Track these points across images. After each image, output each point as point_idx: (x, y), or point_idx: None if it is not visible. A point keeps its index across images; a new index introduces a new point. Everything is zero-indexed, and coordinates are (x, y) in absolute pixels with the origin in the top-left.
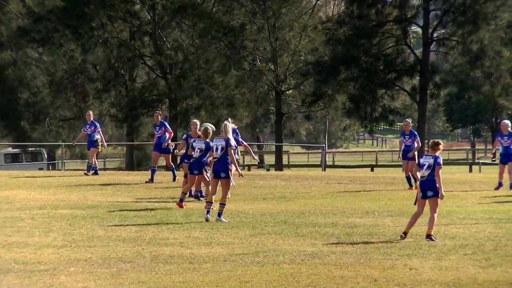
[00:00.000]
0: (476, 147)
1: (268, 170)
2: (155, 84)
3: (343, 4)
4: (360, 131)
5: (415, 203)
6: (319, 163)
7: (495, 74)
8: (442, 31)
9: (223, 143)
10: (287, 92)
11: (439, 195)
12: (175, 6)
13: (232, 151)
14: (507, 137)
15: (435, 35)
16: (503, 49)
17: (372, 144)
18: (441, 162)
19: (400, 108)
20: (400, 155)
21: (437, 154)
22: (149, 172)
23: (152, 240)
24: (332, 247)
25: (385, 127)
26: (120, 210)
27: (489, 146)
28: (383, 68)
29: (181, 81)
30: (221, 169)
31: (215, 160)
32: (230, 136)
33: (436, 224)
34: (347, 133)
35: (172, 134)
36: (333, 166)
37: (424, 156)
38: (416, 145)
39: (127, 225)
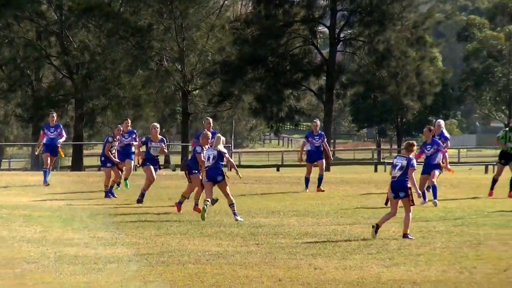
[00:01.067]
0: (382, 147)
1: (174, 170)
2: (61, 84)
3: (250, 4)
4: (266, 131)
5: (386, 203)
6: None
7: (400, 74)
8: (349, 31)
9: (215, 153)
10: (193, 92)
11: (417, 194)
12: (81, 7)
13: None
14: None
15: (342, 35)
16: (408, 50)
17: (278, 144)
18: (415, 164)
19: (306, 108)
20: (302, 156)
21: (410, 155)
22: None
23: (56, 240)
24: (237, 247)
25: (291, 127)
26: (25, 210)
27: (394, 146)
28: (290, 68)
29: (87, 81)
30: (217, 174)
31: (207, 168)
32: (221, 147)
33: (341, 224)
34: (253, 133)
35: (66, 137)
36: (239, 166)
37: (397, 157)
38: (323, 146)
39: (31, 225)
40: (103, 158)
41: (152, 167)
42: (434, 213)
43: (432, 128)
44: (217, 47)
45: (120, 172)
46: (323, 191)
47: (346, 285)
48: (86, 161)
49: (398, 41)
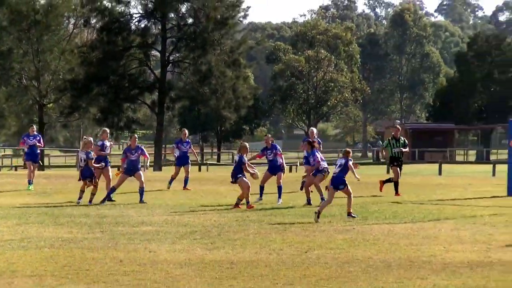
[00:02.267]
0: (204, 151)
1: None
2: None
3: (95, 32)
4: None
5: (326, 189)
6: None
7: (220, 91)
8: (177, 54)
9: (237, 158)
10: (48, 105)
11: (356, 179)
12: None
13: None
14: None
15: (171, 58)
16: (226, 70)
17: (119, 149)
18: (351, 163)
19: (142, 119)
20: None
21: (348, 157)
22: None
23: None
24: (85, 234)
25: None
26: None
27: (215, 150)
28: (128, 85)
29: None
30: (232, 176)
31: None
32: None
33: (170, 213)
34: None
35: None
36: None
37: (339, 159)
38: (280, 160)
39: None
40: None
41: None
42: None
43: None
44: (68, 68)
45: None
46: (189, 189)
47: (176, 265)
48: None
49: (218, 63)
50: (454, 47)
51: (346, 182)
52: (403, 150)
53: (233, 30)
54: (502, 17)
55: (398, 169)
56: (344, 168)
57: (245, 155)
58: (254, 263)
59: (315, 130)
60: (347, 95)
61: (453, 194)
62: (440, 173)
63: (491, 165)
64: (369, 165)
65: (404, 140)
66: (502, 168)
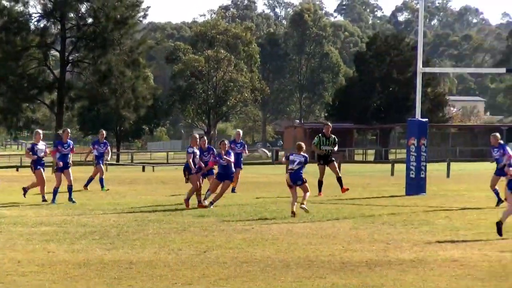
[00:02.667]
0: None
1: None
2: None
3: None
4: (8, 138)
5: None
6: None
7: (119, 91)
8: (77, 54)
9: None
10: None
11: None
12: None
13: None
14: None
15: (70, 57)
16: (126, 70)
17: (18, 149)
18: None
19: (41, 119)
20: (92, 159)
21: (304, 154)
22: None
23: None
24: None
25: (27, 134)
26: None
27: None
28: (27, 85)
29: None
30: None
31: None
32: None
33: (70, 214)
34: None
35: None
36: None
37: (293, 155)
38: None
39: None
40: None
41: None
42: (147, 205)
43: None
44: None
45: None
46: (107, 189)
47: (74, 265)
48: None
49: (117, 63)
50: (353, 47)
51: (304, 178)
52: (334, 149)
53: (133, 30)
54: (401, 17)
55: (325, 167)
56: (302, 165)
57: (195, 147)
58: (153, 263)
59: (241, 131)
60: (246, 95)
61: (352, 193)
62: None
63: (390, 165)
64: (269, 164)
65: (334, 138)
66: (401, 168)
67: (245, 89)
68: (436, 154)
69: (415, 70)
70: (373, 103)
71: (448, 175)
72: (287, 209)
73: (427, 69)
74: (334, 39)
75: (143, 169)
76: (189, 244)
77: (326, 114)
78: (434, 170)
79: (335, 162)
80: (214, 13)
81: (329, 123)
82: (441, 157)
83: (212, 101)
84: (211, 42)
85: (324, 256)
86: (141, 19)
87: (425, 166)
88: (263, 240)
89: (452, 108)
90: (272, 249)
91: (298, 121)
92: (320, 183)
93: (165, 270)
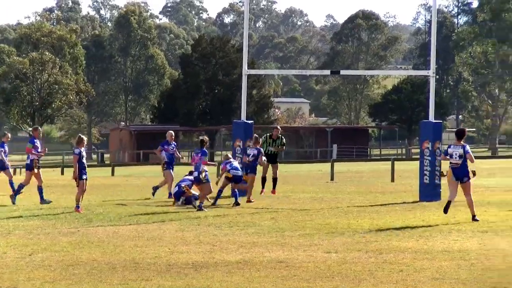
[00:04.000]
0: None
1: None
2: None
3: None
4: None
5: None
6: None
7: None
8: None
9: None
10: None
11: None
12: None
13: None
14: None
15: None
16: None
17: None
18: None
19: None
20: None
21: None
22: None
23: None
24: None
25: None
26: None
27: None
28: None
29: None
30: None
31: None
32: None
33: None
34: None
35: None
36: None
37: (251, 149)
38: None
39: None
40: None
41: None
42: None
43: None
44: None
45: None
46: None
47: None
48: None
49: None
50: (179, 49)
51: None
52: (279, 148)
53: None
54: (227, 19)
55: (271, 166)
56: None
57: (81, 148)
58: None
59: (172, 132)
60: (71, 97)
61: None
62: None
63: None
64: (94, 167)
65: (282, 138)
66: None
67: (70, 91)
68: None
69: (240, 72)
70: (199, 105)
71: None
72: (113, 212)
73: (253, 71)
74: (160, 41)
75: None
76: (14, 247)
77: (152, 117)
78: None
79: (278, 165)
80: (39, 15)
81: (278, 127)
82: None
83: (37, 103)
84: (36, 44)
85: (150, 259)
86: None
87: None
88: (89, 242)
89: (277, 110)
90: (98, 252)
91: (123, 123)
92: (263, 180)
93: None
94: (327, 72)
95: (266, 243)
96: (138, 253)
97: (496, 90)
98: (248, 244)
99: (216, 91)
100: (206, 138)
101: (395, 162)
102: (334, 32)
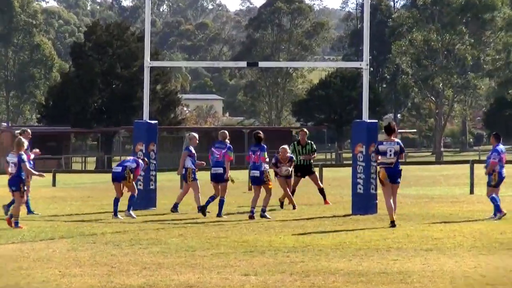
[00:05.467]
0: None
1: None
2: None
3: None
4: None
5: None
6: None
7: None
8: None
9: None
10: None
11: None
12: None
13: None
14: None
15: None
16: None
17: None
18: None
19: None
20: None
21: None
22: None
23: None
24: None
25: None
26: None
27: None
28: None
29: None
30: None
31: None
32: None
33: None
34: None
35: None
36: None
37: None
38: None
39: None
40: None
41: None
42: None
43: None
44: None
45: None
46: None
47: None
48: None
49: None
50: (69, 37)
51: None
52: (312, 156)
53: None
54: (126, 2)
55: (302, 178)
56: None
57: (22, 151)
58: None
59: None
60: None
61: (69, 208)
62: (54, 184)
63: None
64: None
65: (312, 144)
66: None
67: None
68: (169, 161)
69: (142, 64)
70: (94, 103)
71: (181, 186)
72: None
73: (156, 63)
74: (47, 28)
75: None
76: None
77: (38, 116)
78: (166, 180)
79: (316, 174)
80: None
81: (305, 129)
82: (174, 165)
83: None
84: None
85: (37, 283)
86: None
87: (155, 176)
88: None
89: (185, 108)
90: None
91: (5, 124)
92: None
93: None
94: (243, 64)
95: (173, 264)
96: (23, 277)
97: (440, 85)
98: (153, 266)
99: (113, 86)
100: (261, 132)
101: (323, 168)
102: (251, 17)
